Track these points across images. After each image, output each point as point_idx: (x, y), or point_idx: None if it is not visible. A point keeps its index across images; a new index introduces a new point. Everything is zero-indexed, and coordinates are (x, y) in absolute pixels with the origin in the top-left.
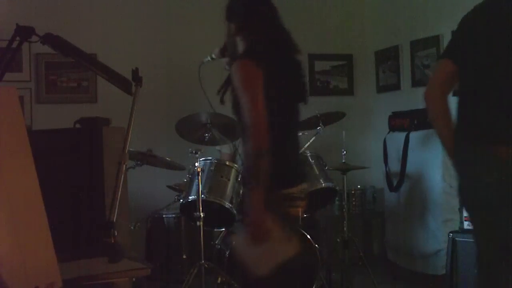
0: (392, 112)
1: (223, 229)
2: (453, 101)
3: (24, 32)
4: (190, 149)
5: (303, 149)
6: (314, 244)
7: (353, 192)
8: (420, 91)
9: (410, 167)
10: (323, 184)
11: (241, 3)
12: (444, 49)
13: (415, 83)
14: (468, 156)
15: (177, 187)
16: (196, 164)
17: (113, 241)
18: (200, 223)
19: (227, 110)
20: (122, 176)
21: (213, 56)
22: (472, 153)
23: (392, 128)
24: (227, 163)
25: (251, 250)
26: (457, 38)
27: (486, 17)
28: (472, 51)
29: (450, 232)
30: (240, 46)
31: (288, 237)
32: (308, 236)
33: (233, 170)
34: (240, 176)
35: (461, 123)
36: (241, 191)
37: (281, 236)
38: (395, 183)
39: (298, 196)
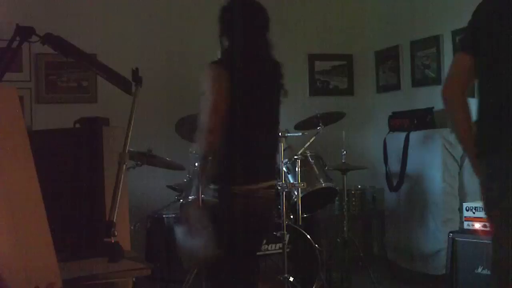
0: (392, 112)
1: None
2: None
3: (24, 32)
4: (190, 149)
5: (303, 149)
6: (314, 244)
7: (353, 192)
8: (420, 91)
9: (410, 167)
10: (323, 184)
11: (233, 8)
12: (459, 42)
13: (415, 83)
14: (493, 163)
15: (177, 187)
16: (196, 164)
17: (113, 241)
18: None
19: None
20: (122, 176)
21: (218, 54)
22: (498, 161)
23: (392, 128)
24: None
25: (184, 241)
26: (473, 30)
27: (502, 6)
28: (489, 43)
29: (450, 232)
30: (224, 46)
31: (212, 239)
32: (308, 236)
33: None
34: None
35: (483, 126)
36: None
37: (205, 237)
38: (395, 183)
39: (258, 194)
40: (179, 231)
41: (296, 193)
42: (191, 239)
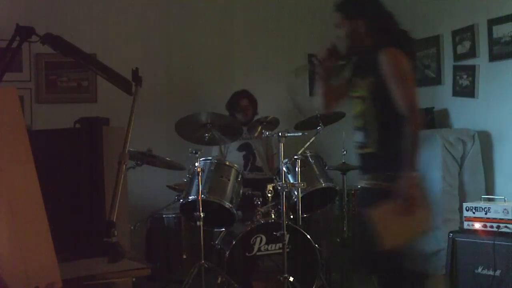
0: None
1: (223, 229)
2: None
3: (24, 32)
4: (190, 149)
5: (303, 149)
6: (314, 244)
7: (353, 192)
8: (420, 91)
9: None
10: (323, 184)
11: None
12: None
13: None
14: None
15: (177, 187)
16: (196, 164)
17: (113, 241)
18: (200, 223)
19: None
20: (122, 176)
21: (318, 59)
22: None
23: None
24: (227, 163)
25: (392, 222)
26: None
27: None
28: None
29: (450, 232)
30: (369, 41)
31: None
32: (308, 236)
33: (233, 170)
34: (239, 175)
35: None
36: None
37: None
38: None
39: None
40: (381, 212)
41: (296, 193)
42: (406, 218)
